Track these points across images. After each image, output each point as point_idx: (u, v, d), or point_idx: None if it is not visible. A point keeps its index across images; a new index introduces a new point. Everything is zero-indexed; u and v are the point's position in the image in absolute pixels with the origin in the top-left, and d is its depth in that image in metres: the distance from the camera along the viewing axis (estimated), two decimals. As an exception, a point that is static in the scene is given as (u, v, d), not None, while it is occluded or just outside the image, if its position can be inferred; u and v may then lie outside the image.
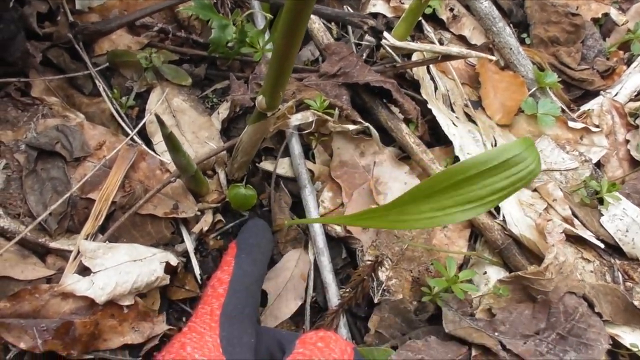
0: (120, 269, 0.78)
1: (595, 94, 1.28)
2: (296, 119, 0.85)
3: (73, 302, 0.76)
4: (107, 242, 0.83)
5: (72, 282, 0.76)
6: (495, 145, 1.07)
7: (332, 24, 1.17)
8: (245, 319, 0.67)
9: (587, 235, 0.95)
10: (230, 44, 0.98)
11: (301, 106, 0.93)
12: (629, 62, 1.34)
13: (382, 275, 0.88)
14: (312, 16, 1.06)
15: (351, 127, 0.92)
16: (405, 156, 1.02)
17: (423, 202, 0.68)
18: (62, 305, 0.76)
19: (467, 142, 1.02)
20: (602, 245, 0.95)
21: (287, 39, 0.62)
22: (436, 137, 1.08)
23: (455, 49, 1.00)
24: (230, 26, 0.92)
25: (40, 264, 0.83)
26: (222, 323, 0.64)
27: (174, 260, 0.83)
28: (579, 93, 1.30)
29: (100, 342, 0.77)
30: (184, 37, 1.05)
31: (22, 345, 0.73)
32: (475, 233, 0.99)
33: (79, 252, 0.80)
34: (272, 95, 0.73)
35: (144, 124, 0.94)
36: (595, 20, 1.38)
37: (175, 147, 0.74)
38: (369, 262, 0.85)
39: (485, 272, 0.95)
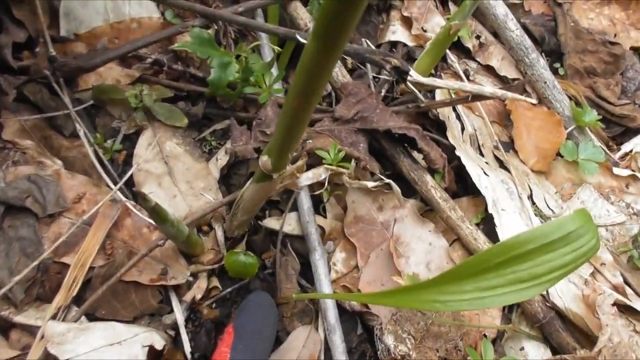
0: (94, 355, 0.65)
1: (637, 131, 1.13)
2: (306, 177, 0.72)
3: (36, 399, 0.63)
4: (80, 319, 0.70)
5: (34, 374, 0.62)
6: (531, 196, 0.93)
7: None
8: None
9: (642, 308, 0.81)
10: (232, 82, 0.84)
11: (310, 155, 0.79)
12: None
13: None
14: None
15: (370, 184, 0.78)
16: (429, 209, 0.88)
17: (467, 280, 0.54)
18: (24, 401, 0.63)
19: (501, 195, 0.88)
20: (662, 325, 0.81)
21: (303, 97, 0.48)
22: (463, 185, 0.94)
23: (488, 89, 0.86)
24: (233, 64, 0.79)
25: (2, 341, 0.70)
26: None
27: (159, 343, 0.70)
28: (619, 130, 1.15)
29: None
30: (181, 71, 0.91)
31: None
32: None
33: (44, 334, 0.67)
34: (279, 156, 0.59)
35: (131, 174, 0.81)
36: (635, 49, 1.23)
37: (162, 219, 0.60)
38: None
39: (523, 348, 0.82)
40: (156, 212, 0.58)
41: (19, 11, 0.85)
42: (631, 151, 1.08)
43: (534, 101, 0.88)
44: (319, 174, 0.73)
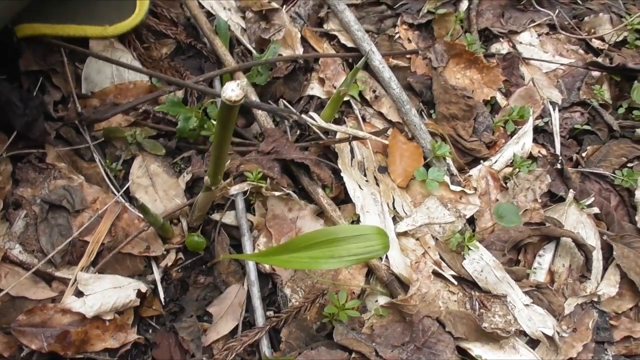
0: (105, 293, 1.04)
1: (479, 160, 1.55)
2: (234, 189, 1.11)
3: (70, 317, 1.01)
4: (96, 273, 1.08)
5: (70, 301, 1.01)
6: (394, 203, 1.34)
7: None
8: None
9: (448, 274, 1.21)
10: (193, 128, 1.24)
11: (243, 175, 1.19)
12: (511, 135, 1.61)
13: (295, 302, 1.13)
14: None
15: (277, 193, 1.18)
16: (321, 212, 1.28)
17: (303, 250, 0.94)
18: (62, 318, 1.01)
19: (368, 202, 1.28)
20: (455, 282, 1.21)
21: (218, 147, 0.88)
22: (349, 197, 1.34)
23: (361, 132, 1.27)
24: (192, 118, 1.19)
25: (47, 288, 1.08)
26: None
27: (144, 288, 1.09)
28: (470, 159, 1.56)
29: (88, 346, 1.02)
30: (161, 117, 1.31)
31: (33, 347, 0.97)
32: (371, 271, 1.25)
33: (76, 280, 1.06)
34: (213, 177, 0.99)
35: (128, 186, 1.20)
36: (486, 102, 1.65)
37: (145, 212, 1.00)
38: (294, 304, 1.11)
39: (377, 300, 1.21)
40: (142, 208, 0.97)
41: (56, 79, 1.25)
42: (471, 175, 1.49)
43: (385, 141, 1.28)
44: (243, 187, 1.12)
